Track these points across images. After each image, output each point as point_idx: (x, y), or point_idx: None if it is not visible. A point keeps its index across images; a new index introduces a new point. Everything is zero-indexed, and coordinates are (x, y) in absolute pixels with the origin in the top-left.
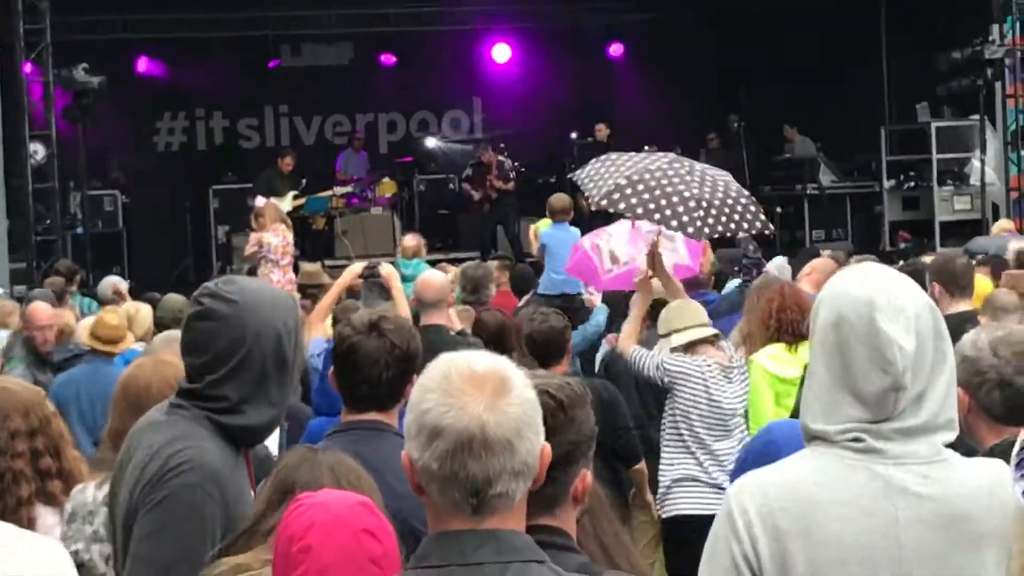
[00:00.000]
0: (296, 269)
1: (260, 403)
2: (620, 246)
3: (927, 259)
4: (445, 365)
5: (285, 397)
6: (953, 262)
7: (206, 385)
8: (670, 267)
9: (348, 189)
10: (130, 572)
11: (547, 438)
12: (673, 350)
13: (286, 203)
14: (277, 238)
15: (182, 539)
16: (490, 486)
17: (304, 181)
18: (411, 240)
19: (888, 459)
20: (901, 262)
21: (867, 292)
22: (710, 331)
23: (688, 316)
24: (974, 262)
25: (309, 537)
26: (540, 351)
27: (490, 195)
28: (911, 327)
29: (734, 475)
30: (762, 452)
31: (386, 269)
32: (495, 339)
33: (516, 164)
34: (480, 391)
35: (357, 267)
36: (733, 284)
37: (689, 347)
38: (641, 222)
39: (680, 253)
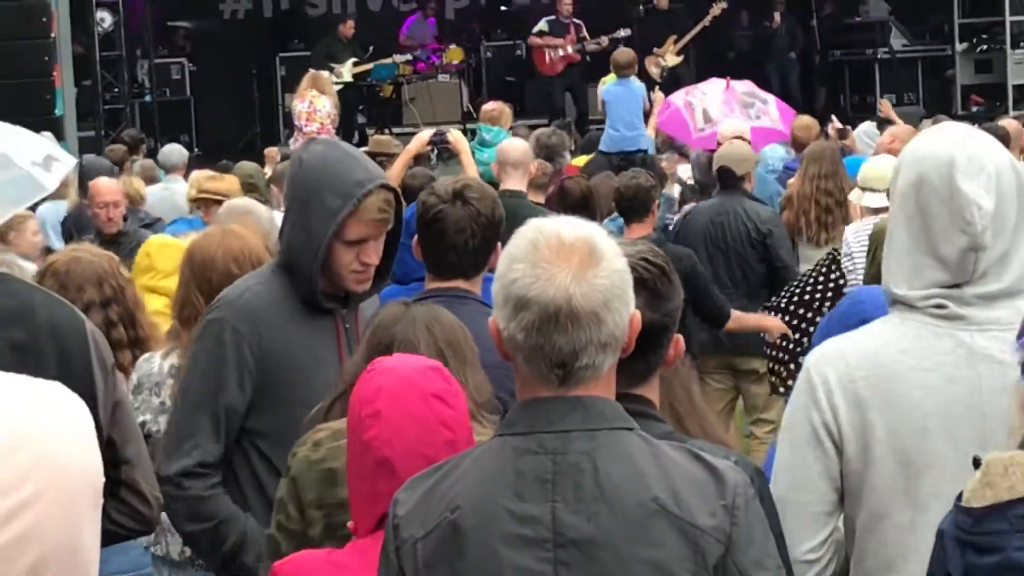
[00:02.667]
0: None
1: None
2: (714, 106)
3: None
4: (533, 233)
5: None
6: None
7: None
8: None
9: (407, 57)
10: (171, 406)
11: (656, 306)
12: (866, 209)
13: (346, 70)
14: (303, 104)
15: (205, 368)
16: (576, 358)
17: (371, 48)
18: (492, 106)
19: (972, 325)
20: (977, 127)
21: (948, 151)
22: None
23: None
24: None
25: (378, 402)
26: (626, 207)
27: (572, 58)
28: (991, 186)
29: (817, 336)
30: (845, 313)
31: (454, 135)
32: (580, 206)
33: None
34: (568, 262)
35: (425, 134)
36: None
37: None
38: (736, 83)
39: (772, 116)
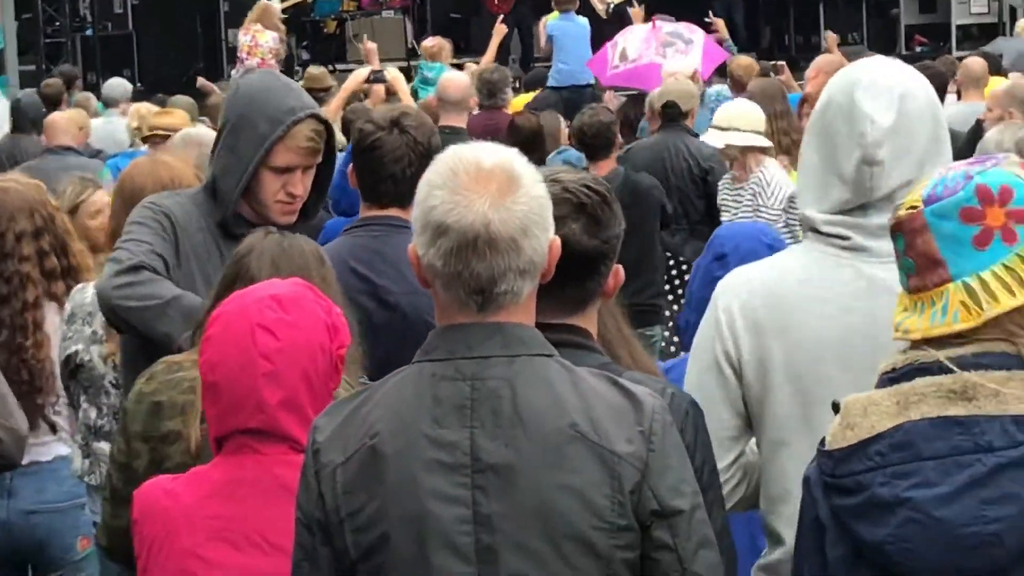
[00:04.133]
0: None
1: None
2: (633, 44)
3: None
4: (452, 160)
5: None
6: None
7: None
8: (677, 68)
9: None
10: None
11: (595, 232)
12: (726, 146)
13: (276, 4)
14: (246, 37)
15: (140, 225)
16: (494, 284)
17: None
18: (431, 42)
19: (874, 257)
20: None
21: (855, 74)
22: (766, 141)
23: (751, 120)
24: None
25: (213, 327)
26: (590, 144)
27: None
28: (893, 105)
29: (691, 280)
30: (705, 249)
31: (391, 74)
32: (530, 142)
33: None
34: (486, 188)
35: (363, 72)
36: None
37: (744, 150)
38: (665, 23)
39: (692, 56)
